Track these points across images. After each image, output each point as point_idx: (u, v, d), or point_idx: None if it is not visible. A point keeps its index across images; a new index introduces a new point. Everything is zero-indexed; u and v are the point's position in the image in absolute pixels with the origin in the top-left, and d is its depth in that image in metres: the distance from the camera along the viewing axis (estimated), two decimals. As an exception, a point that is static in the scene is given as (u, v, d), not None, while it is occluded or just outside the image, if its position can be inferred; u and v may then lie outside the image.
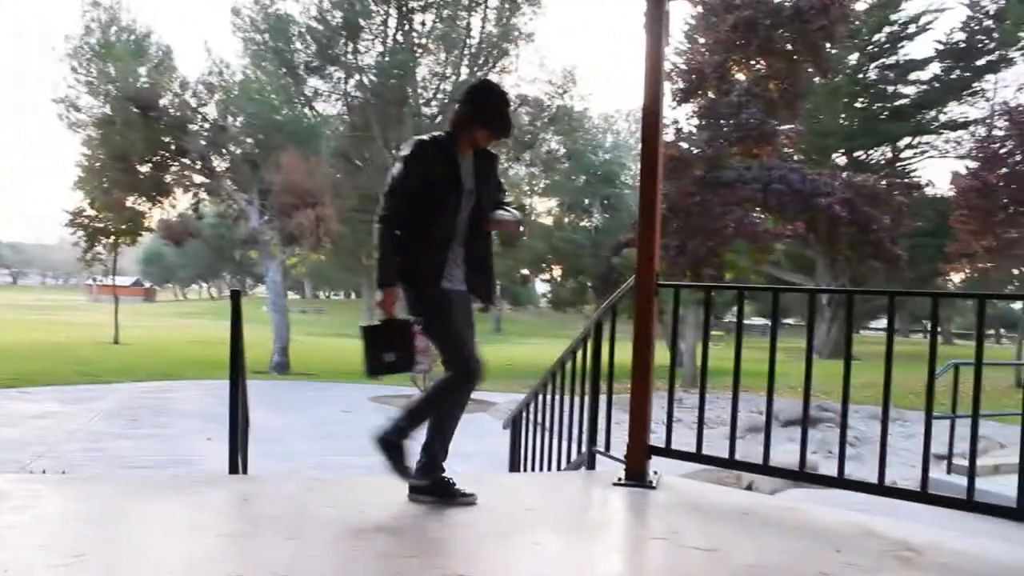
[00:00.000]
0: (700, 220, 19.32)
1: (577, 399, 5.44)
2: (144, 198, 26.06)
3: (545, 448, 5.97)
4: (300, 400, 17.95)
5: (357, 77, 29.51)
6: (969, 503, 3.84)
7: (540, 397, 6.05)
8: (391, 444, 3.87)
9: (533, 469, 6.09)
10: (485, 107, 3.86)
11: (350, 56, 29.15)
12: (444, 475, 3.92)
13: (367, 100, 29.00)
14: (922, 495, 3.97)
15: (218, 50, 55.15)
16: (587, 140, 41.27)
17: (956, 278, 33.49)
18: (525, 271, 44.51)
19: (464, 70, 30.03)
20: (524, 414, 6.39)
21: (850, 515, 4.24)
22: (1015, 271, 28.61)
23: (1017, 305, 35.25)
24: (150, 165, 25.18)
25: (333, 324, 55.91)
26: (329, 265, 51.67)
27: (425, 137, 3.88)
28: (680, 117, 21.23)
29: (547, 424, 5.91)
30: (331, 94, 30.71)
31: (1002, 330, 54.39)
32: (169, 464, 10.27)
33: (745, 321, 4.79)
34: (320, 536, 3.32)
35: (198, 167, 25.62)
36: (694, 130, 20.94)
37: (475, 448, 11.11)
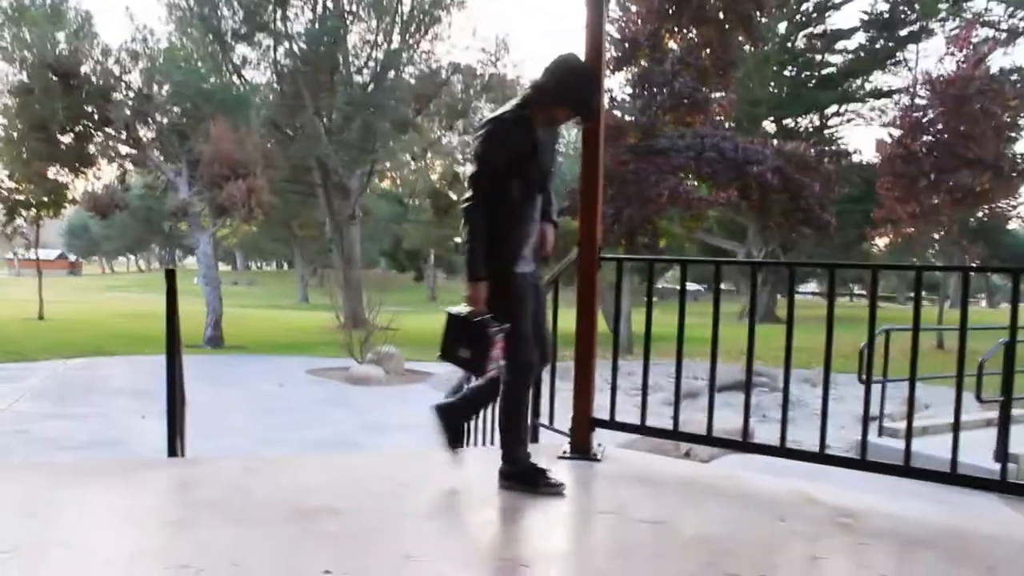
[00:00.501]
0: (635, 188, 19.44)
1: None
2: (66, 169, 25.20)
3: (489, 421, 5.97)
4: (235, 374, 17.67)
5: (287, 44, 28.91)
6: (907, 469, 3.96)
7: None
8: (449, 424, 4.01)
9: (475, 443, 6.09)
10: (574, 85, 3.67)
11: (279, 23, 28.50)
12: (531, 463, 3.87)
13: (297, 68, 28.43)
14: (863, 463, 4.09)
15: (141, 16, 53.30)
16: (521, 108, 41.01)
17: (881, 243, 34.42)
18: (459, 239, 44.41)
19: (396, 37, 29.61)
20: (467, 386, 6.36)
21: (790, 482, 4.33)
22: (936, 236, 29.43)
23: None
24: (72, 135, 24.32)
25: (266, 296, 55.20)
26: (261, 236, 50.91)
27: (504, 114, 3.70)
28: (614, 86, 21.30)
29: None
30: (260, 62, 30.08)
31: (924, 292, 56.25)
32: (102, 445, 10.00)
33: (676, 286, 4.84)
34: (265, 520, 3.27)
35: (123, 137, 24.83)
36: (628, 98, 21.02)
37: (416, 419, 11.11)
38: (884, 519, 3.64)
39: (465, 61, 30.21)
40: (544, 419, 5.17)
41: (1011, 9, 33.64)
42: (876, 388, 8.32)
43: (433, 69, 29.88)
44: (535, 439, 5.16)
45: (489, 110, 36.75)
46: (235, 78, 29.36)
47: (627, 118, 20.26)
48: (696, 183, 20.37)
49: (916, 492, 5.56)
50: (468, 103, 30.63)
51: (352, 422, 11.33)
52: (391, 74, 29.06)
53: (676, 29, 20.04)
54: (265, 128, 28.12)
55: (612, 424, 4.72)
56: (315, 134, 28.13)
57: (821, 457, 4.13)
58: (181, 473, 4.30)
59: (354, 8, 29.32)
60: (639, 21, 20.54)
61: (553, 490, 3.72)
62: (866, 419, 4.15)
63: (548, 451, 4.69)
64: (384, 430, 10.70)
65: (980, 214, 29.02)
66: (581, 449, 4.57)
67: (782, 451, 4.28)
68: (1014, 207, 29.52)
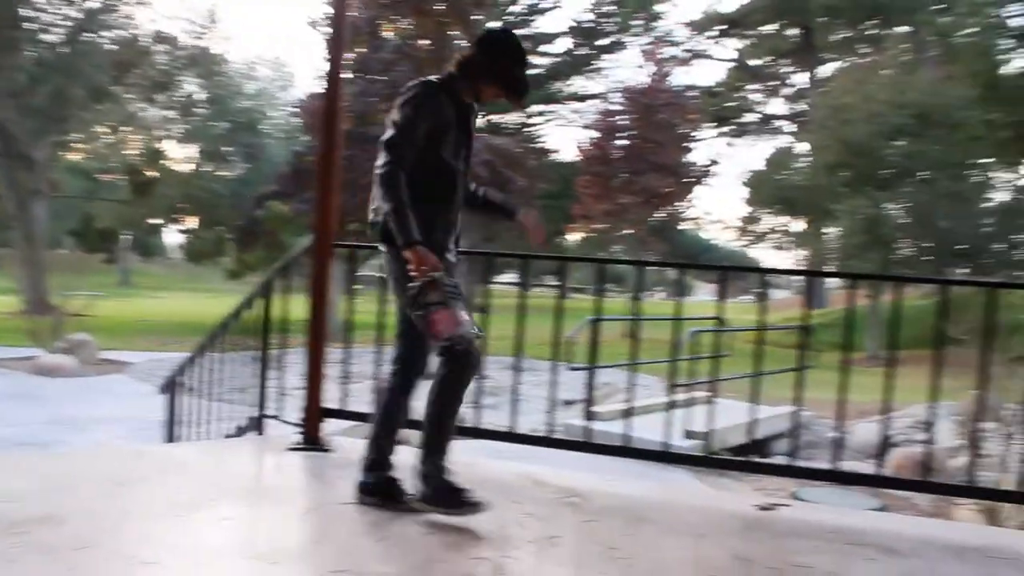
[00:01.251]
0: (348, 175, 19.17)
1: (243, 361, 5.27)
2: None
3: (204, 414, 5.72)
4: None
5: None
6: (625, 449, 4.30)
7: (202, 359, 5.76)
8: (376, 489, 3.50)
9: (192, 438, 5.81)
10: (509, 62, 3.36)
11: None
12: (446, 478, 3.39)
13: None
14: (588, 445, 4.38)
15: None
16: (228, 85, 39.34)
17: (576, 237, 36.78)
18: (155, 220, 41.63)
19: (92, -4, 27.14)
20: (184, 377, 6.04)
21: (519, 467, 4.55)
22: (625, 232, 31.86)
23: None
24: None
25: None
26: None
27: (433, 79, 3.34)
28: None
29: (211, 388, 5.66)
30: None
31: (611, 284, 60.72)
32: None
33: (379, 274, 4.91)
34: (-33, 532, 2.90)
35: None
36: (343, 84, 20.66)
37: (118, 412, 10.33)
38: (607, 497, 3.92)
39: (170, 30, 28.36)
40: (270, 410, 5.03)
41: (692, 33, 37.30)
42: (581, 375, 8.92)
43: (135, 36, 27.73)
44: (261, 431, 5.02)
45: (195, 85, 34.97)
46: None
47: (343, 104, 19.94)
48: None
49: (623, 470, 6.06)
50: (172, 76, 28.77)
51: (41, 418, 10.28)
52: (87, 36, 26.59)
53: (396, 18, 20.08)
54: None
55: (342, 413, 4.70)
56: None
57: (549, 441, 4.38)
58: None
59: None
60: (359, 6, 20.38)
61: (472, 509, 3.31)
62: (589, 406, 4.46)
63: (277, 443, 4.58)
64: (81, 426, 9.79)
65: (662, 215, 31.85)
66: (312, 440, 4.50)
67: (512, 436, 4.48)
68: (687, 209, 32.72)
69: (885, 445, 4.47)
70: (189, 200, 34.67)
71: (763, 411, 4.32)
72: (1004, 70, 27.69)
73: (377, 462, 3.50)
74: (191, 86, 33.56)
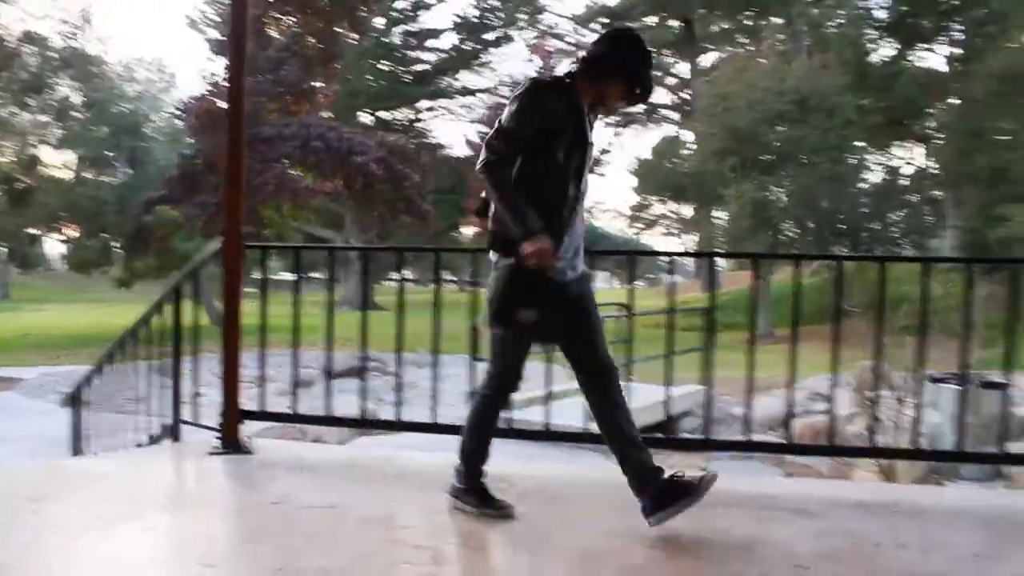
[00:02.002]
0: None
1: (149, 369, 5.16)
2: None
3: (111, 425, 5.57)
4: None
5: None
6: (547, 433, 4.40)
7: (106, 370, 5.61)
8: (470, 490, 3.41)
9: (102, 452, 5.64)
10: (635, 58, 3.19)
11: None
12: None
13: None
14: (510, 431, 4.46)
15: None
16: (107, 88, 37.89)
17: (471, 231, 36.85)
18: (34, 230, 39.86)
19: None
20: (88, 389, 5.85)
21: (440, 457, 4.59)
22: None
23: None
24: None
25: None
26: None
27: (547, 78, 3.21)
28: (217, 70, 20.43)
29: (116, 399, 5.52)
30: None
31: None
32: None
33: (275, 277, 4.93)
34: None
35: None
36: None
37: (16, 431, 9.86)
38: (532, 480, 4.01)
39: (41, 31, 27.13)
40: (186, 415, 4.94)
41: (576, 26, 37.87)
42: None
43: (0, 37, 26.45)
44: (176, 438, 4.92)
45: (71, 88, 33.52)
46: None
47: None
48: (302, 172, 20.30)
49: (540, 456, 6.18)
50: (44, 78, 27.54)
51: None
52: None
53: (282, 16, 19.75)
54: None
55: (261, 415, 4.66)
56: None
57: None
58: None
59: None
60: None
61: (502, 512, 3.34)
62: (547, 396, 4.55)
63: (196, 449, 4.51)
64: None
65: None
66: (232, 443, 4.44)
67: (434, 427, 4.52)
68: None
69: (789, 416, 4.69)
70: (71, 208, 33.30)
71: (670, 392, 4.49)
72: (872, 59, 29.10)
73: (472, 471, 3.42)
74: (66, 89, 32.17)
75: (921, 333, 4.16)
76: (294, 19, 19.83)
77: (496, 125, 3.13)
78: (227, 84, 4.59)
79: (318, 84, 21.31)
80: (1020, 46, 23.87)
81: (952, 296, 4.50)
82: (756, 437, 5.40)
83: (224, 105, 18.94)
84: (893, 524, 3.45)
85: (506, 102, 3.22)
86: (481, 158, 3.09)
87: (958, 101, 28.06)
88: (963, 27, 28.85)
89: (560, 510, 3.58)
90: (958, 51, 29.47)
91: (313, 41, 19.71)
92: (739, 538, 3.17)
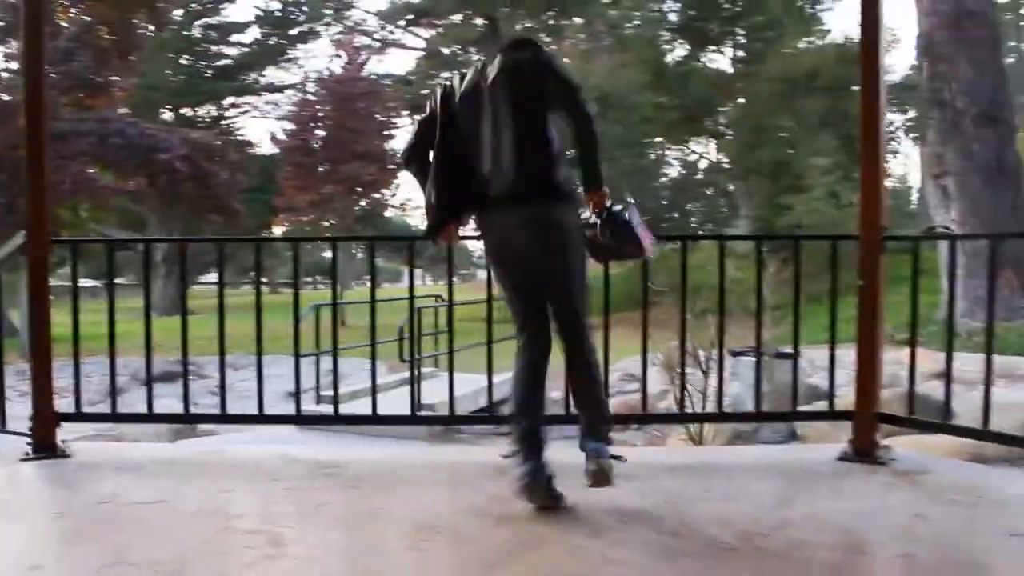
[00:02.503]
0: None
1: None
2: None
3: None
4: None
5: None
6: (374, 418, 4.47)
7: None
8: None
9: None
10: None
11: None
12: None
13: None
14: (337, 417, 4.51)
15: None
16: None
17: (278, 231, 35.96)
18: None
19: None
20: None
21: (269, 448, 4.59)
22: (330, 223, 31.66)
23: (328, 254, 39.19)
24: None
25: None
26: None
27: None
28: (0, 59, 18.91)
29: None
30: None
31: (318, 276, 60.16)
32: None
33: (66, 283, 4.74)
34: None
35: None
36: (15, 76, 18.88)
37: None
38: (363, 465, 4.08)
39: None
40: None
41: (383, 23, 37.65)
42: (309, 363, 8.92)
43: None
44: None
45: None
46: None
47: (16, 98, 18.17)
48: (100, 170, 19.17)
49: (365, 448, 6.23)
50: None
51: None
52: None
53: (73, 3, 18.56)
54: None
55: (79, 416, 4.47)
56: None
57: (301, 419, 4.46)
58: None
59: None
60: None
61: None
62: (335, 385, 4.59)
63: (5, 455, 4.25)
64: None
65: (365, 203, 31.91)
66: (47, 447, 4.22)
67: (261, 419, 4.51)
68: (391, 197, 32.99)
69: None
70: None
71: (485, 380, 4.67)
72: (667, 59, 30.74)
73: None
74: None
75: (720, 309, 4.52)
76: (85, 6, 18.67)
77: (571, 85, 3.27)
78: (19, 74, 4.36)
79: (114, 78, 20.19)
80: (794, 51, 25.91)
81: (748, 281, 4.91)
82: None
83: (6, 97, 17.63)
84: (702, 480, 3.78)
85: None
86: (591, 114, 3.26)
87: (743, 100, 30.19)
88: (745, 32, 31.05)
89: (395, 489, 3.68)
90: (742, 54, 31.68)
91: (107, 32, 18.65)
92: (568, 502, 3.36)
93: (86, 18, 18.85)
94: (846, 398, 4.40)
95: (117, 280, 4.97)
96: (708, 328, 6.12)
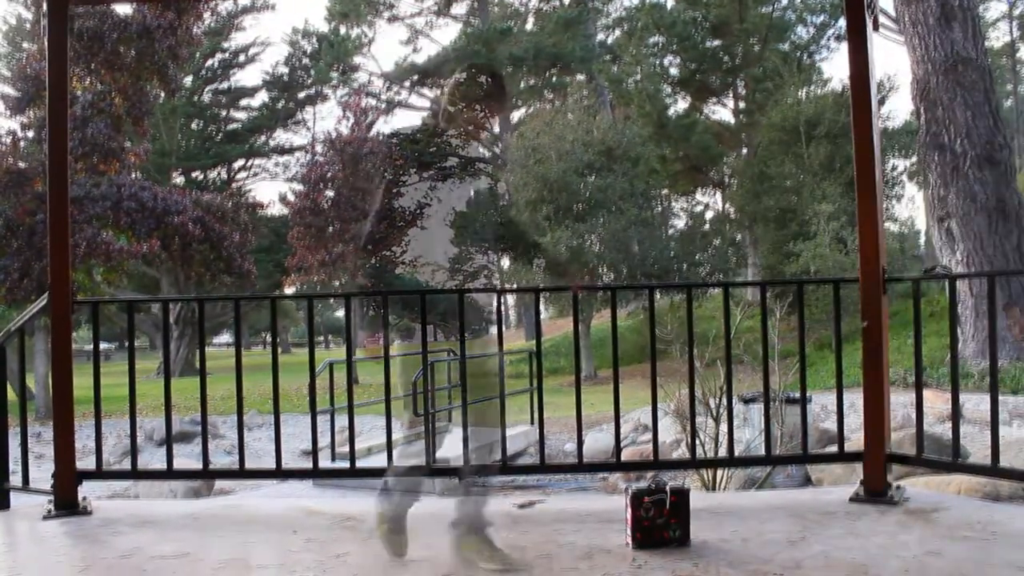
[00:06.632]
0: (46, 239, 17.72)
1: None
2: None
3: None
4: None
5: None
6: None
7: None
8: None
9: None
10: None
11: None
12: None
13: None
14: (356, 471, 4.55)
15: None
16: None
17: (289, 290, 36.21)
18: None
19: None
20: None
21: (289, 502, 4.65)
22: (340, 281, 31.86)
23: (340, 313, 39.36)
24: None
25: None
26: None
27: None
28: (16, 128, 19.21)
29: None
30: None
31: (330, 336, 60.53)
32: None
33: (88, 347, 4.85)
34: None
35: None
36: (30, 143, 19.23)
37: None
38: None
39: None
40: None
41: (387, 84, 38.29)
42: (323, 419, 8.98)
43: None
44: (5, 505, 4.68)
45: None
46: None
47: (33, 165, 18.47)
48: (115, 234, 19.38)
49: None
50: None
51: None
52: None
53: (87, 72, 18.92)
54: None
55: (101, 474, 4.55)
56: None
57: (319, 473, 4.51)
58: None
59: None
60: (43, 59, 18.84)
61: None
62: (333, 447, 4.65)
63: (27, 514, 4.33)
64: None
65: (374, 261, 32.13)
66: (68, 504, 4.30)
67: (281, 473, 4.56)
68: (401, 254, 33.23)
69: (618, 445, 5.02)
70: None
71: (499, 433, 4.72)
72: (670, 112, 31.16)
73: None
74: None
75: (727, 354, 4.57)
76: (97, 77, 19.04)
77: None
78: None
79: (127, 144, 20.54)
80: (793, 101, 26.24)
81: (757, 329, 4.98)
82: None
83: (22, 164, 17.93)
84: (716, 522, 3.82)
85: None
86: None
87: (746, 150, 30.52)
88: (744, 83, 31.51)
89: (412, 540, 3.71)
90: (743, 105, 32.11)
91: (120, 99, 19.01)
92: (581, 548, 3.42)
93: (100, 85, 19.18)
94: (858, 440, 4.44)
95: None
96: (718, 376, 6.18)
